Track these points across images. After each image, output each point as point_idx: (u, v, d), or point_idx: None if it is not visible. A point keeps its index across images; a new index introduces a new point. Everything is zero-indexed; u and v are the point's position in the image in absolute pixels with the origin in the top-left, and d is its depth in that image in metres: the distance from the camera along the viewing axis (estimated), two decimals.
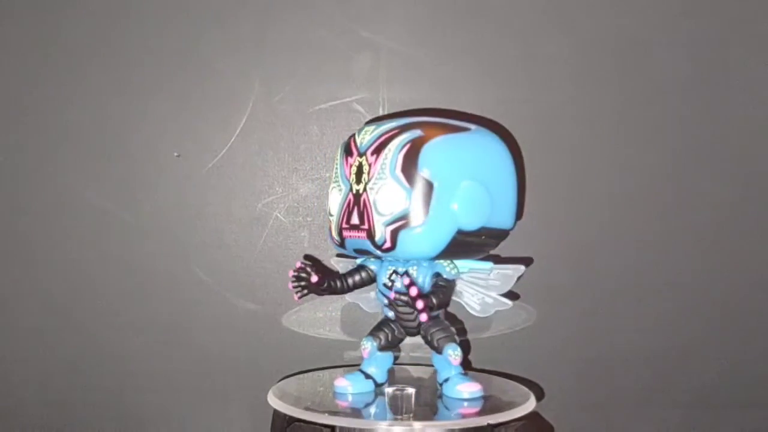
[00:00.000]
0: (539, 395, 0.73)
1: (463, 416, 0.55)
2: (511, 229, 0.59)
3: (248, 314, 0.74)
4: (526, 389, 0.60)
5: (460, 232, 0.55)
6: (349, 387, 0.59)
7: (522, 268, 0.56)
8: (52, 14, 0.72)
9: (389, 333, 0.59)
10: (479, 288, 0.57)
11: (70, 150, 0.73)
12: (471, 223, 0.55)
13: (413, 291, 0.52)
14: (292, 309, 0.73)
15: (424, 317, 0.52)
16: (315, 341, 0.73)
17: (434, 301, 0.55)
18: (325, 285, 0.59)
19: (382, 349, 0.59)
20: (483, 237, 0.56)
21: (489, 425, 0.53)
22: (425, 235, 0.54)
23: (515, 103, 0.73)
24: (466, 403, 0.56)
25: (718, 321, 0.75)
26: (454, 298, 0.59)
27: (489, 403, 0.57)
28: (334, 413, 0.55)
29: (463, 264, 0.58)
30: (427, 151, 0.54)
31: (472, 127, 0.58)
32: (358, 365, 0.61)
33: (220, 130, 0.73)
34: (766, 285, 0.75)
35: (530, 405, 0.57)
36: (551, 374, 0.74)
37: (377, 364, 0.60)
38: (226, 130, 0.73)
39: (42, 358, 0.74)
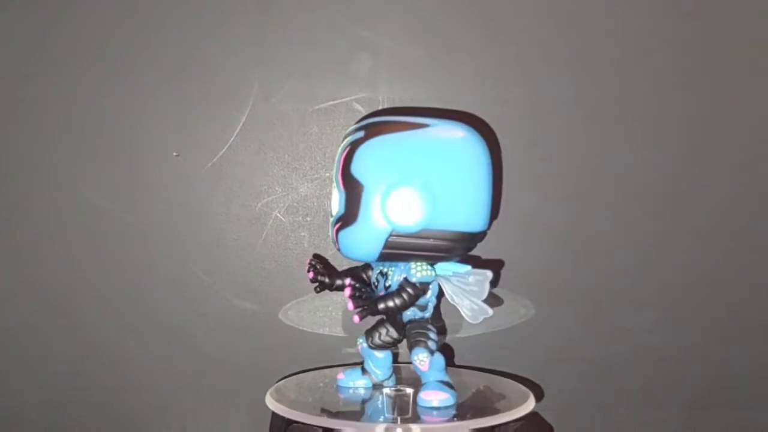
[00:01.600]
0: (539, 395, 0.73)
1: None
2: (479, 231, 0.56)
3: (247, 314, 0.74)
4: (525, 389, 0.60)
5: (397, 234, 0.54)
6: (345, 381, 0.61)
7: (489, 273, 0.55)
8: (52, 13, 0.72)
9: (382, 332, 0.59)
10: (465, 293, 0.56)
11: (68, 149, 0.73)
12: (406, 226, 0.54)
13: (346, 292, 0.54)
14: (289, 305, 0.73)
15: (356, 319, 0.54)
16: (314, 341, 0.73)
17: (389, 303, 0.55)
18: (328, 281, 0.60)
19: (377, 347, 0.59)
20: (430, 240, 0.54)
21: None
22: (356, 237, 0.55)
23: (516, 101, 0.73)
24: (435, 412, 0.55)
25: (718, 321, 0.75)
26: (450, 302, 0.58)
27: (487, 404, 0.57)
28: (332, 416, 0.55)
29: (445, 267, 0.56)
30: (359, 153, 0.55)
31: (431, 123, 0.56)
32: (358, 363, 0.61)
33: (220, 129, 0.73)
34: (766, 285, 0.75)
35: (530, 405, 0.57)
36: (551, 374, 0.74)
37: (375, 361, 0.60)
38: (226, 130, 0.73)
39: (41, 358, 0.74)
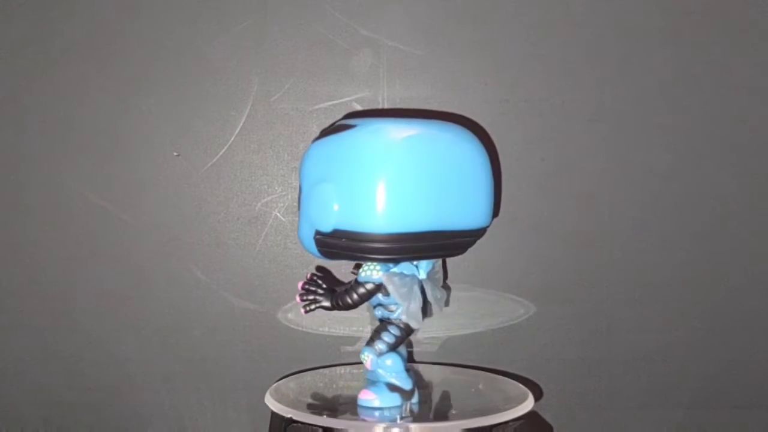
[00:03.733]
0: (538, 394, 0.73)
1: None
2: (398, 232, 0.53)
3: (247, 314, 0.74)
4: (524, 388, 0.60)
5: (320, 234, 0.55)
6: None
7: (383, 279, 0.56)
8: (52, 13, 0.72)
9: None
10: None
11: (68, 149, 0.73)
12: (321, 225, 0.55)
13: (299, 284, 0.58)
14: (288, 305, 0.73)
15: (302, 311, 0.57)
16: (313, 340, 0.73)
17: (338, 300, 0.57)
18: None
19: None
20: (343, 240, 0.54)
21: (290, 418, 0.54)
22: (299, 234, 0.57)
23: (516, 101, 0.73)
24: (365, 412, 0.56)
25: (718, 321, 0.75)
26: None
27: (486, 403, 0.57)
28: (332, 415, 0.55)
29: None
30: (303, 157, 0.57)
31: (359, 124, 0.55)
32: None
33: (220, 129, 0.73)
34: (766, 285, 0.75)
35: (529, 404, 0.57)
36: (551, 373, 0.74)
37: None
38: (226, 129, 0.73)
39: (40, 357, 0.74)
